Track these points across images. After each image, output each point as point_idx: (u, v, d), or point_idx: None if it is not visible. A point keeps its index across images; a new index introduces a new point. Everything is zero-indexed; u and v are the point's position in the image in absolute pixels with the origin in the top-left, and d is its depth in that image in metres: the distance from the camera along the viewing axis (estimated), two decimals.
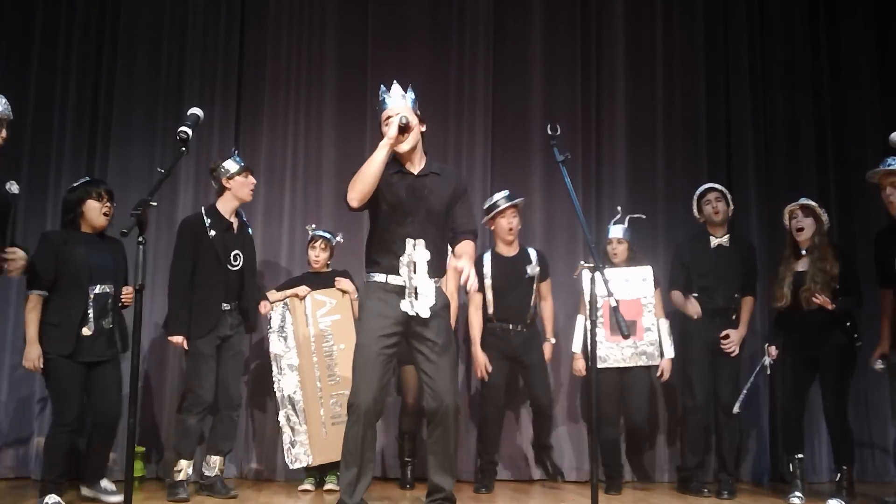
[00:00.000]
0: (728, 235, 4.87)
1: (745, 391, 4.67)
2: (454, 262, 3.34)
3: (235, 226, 4.49)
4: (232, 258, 4.41)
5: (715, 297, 4.78)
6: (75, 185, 4.27)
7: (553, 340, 5.00)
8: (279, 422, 4.74)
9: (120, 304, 4.20)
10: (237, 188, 4.46)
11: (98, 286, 4.05)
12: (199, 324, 4.32)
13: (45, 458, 4.03)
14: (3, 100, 3.63)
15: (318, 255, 4.88)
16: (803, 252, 4.54)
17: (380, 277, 3.33)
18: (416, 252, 3.29)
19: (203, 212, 4.48)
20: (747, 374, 4.78)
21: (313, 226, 5.03)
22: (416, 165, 3.40)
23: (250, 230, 4.64)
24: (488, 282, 4.86)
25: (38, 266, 3.97)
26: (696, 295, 4.81)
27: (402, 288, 3.29)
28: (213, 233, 4.37)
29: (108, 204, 4.15)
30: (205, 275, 4.35)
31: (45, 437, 4.12)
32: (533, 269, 4.90)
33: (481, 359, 4.81)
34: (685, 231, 5.25)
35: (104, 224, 4.16)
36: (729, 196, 4.90)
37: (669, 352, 4.86)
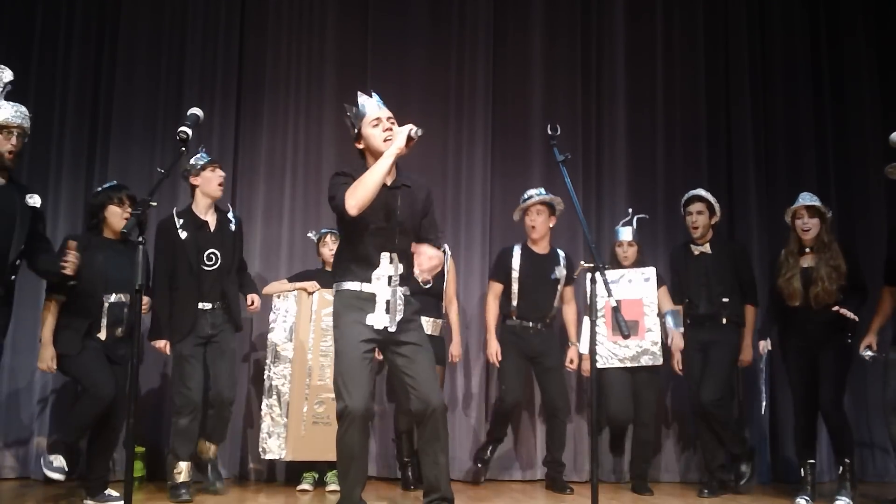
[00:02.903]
0: (709, 243, 4.85)
1: (764, 391, 4.66)
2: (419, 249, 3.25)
3: (212, 224, 4.44)
4: (206, 258, 4.36)
5: (699, 304, 4.80)
6: (98, 189, 4.30)
7: (578, 345, 4.97)
8: (261, 409, 4.72)
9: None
10: (204, 183, 4.41)
11: (114, 295, 4.06)
12: (177, 327, 4.31)
13: (69, 419, 4.02)
14: (15, 108, 3.70)
15: (332, 250, 4.87)
16: (807, 249, 4.53)
17: (353, 286, 3.29)
18: (393, 265, 3.27)
19: (174, 213, 4.43)
20: (756, 376, 4.76)
21: (313, 231, 5.03)
22: (390, 177, 3.34)
23: (233, 226, 4.52)
24: (515, 274, 4.88)
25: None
26: (688, 301, 4.86)
27: (373, 296, 3.27)
28: (184, 234, 4.33)
29: (129, 209, 4.13)
30: (180, 277, 4.33)
31: (76, 402, 4.07)
32: (560, 271, 4.91)
33: (493, 346, 4.85)
34: (685, 231, 5.25)
35: None
36: (716, 205, 4.85)
37: (679, 327, 4.83)
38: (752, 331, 4.83)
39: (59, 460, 3.91)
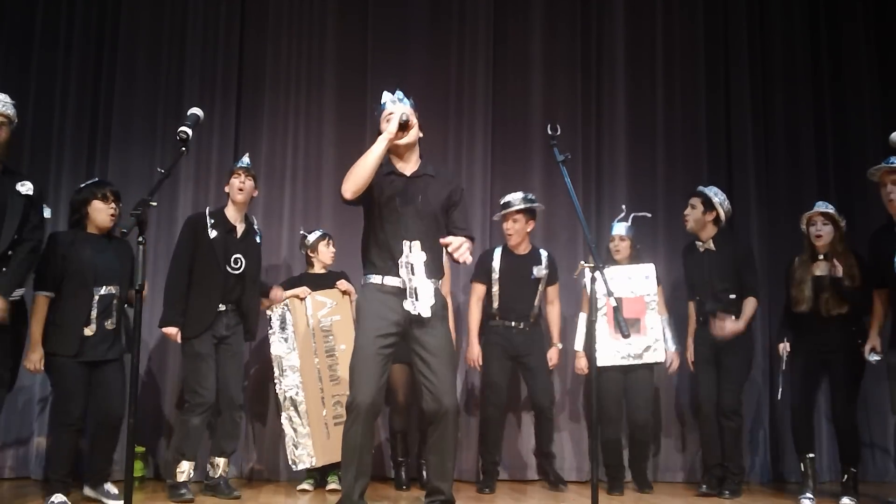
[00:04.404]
0: (713, 239, 4.84)
1: (781, 382, 4.67)
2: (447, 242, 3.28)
3: (240, 230, 4.49)
4: (233, 261, 4.41)
5: (705, 301, 4.81)
6: (82, 186, 4.30)
7: (560, 346, 4.99)
8: (281, 423, 4.73)
9: (126, 305, 4.21)
10: (230, 189, 4.52)
11: (104, 287, 4.06)
12: (194, 323, 4.33)
13: (51, 457, 4.04)
14: (3, 98, 3.68)
15: (332, 252, 4.91)
16: (820, 257, 4.53)
17: (376, 279, 3.34)
18: (413, 254, 3.31)
19: (207, 212, 4.51)
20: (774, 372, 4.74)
21: (311, 233, 5.02)
22: (410, 167, 3.42)
23: (258, 238, 4.62)
24: (495, 276, 4.89)
25: (45, 266, 3.99)
26: (698, 298, 4.87)
27: (399, 289, 3.31)
28: (214, 233, 4.40)
29: (113, 205, 4.15)
30: (202, 274, 4.37)
31: (50, 436, 4.11)
32: (539, 271, 4.91)
33: (475, 350, 4.87)
34: (685, 231, 5.25)
35: (109, 225, 4.15)
36: (715, 202, 4.81)
37: (671, 344, 4.88)
38: (747, 319, 4.69)
39: (58, 497, 3.91)
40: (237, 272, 4.42)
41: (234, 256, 4.42)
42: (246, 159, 4.63)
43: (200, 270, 4.37)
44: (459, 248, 3.21)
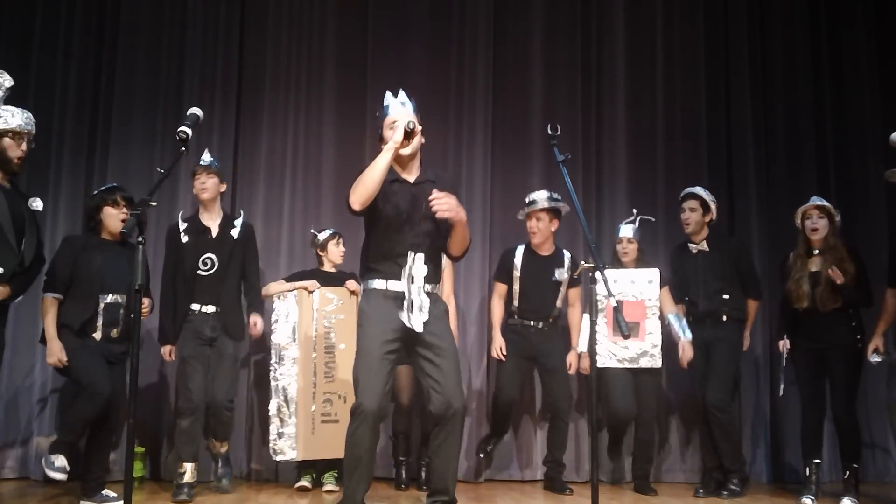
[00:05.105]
0: (706, 241, 4.85)
1: (782, 379, 4.71)
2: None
3: (214, 230, 4.49)
4: (201, 262, 4.43)
5: (698, 302, 4.82)
6: (95, 192, 4.32)
7: (579, 350, 4.94)
8: (269, 411, 4.72)
9: (132, 316, 4.19)
10: (195, 191, 4.54)
11: (109, 295, 4.05)
12: (176, 328, 4.43)
13: (68, 418, 4.02)
14: (25, 115, 3.73)
15: (342, 251, 4.91)
16: (815, 252, 4.53)
17: (379, 284, 3.32)
18: (416, 266, 3.30)
19: (179, 218, 4.56)
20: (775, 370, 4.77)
21: (320, 230, 5.01)
22: (413, 173, 3.40)
23: (235, 232, 4.54)
24: (516, 273, 4.89)
25: (56, 268, 4.03)
26: (687, 299, 4.88)
27: (402, 294, 3.30)
28: (185, 238, 4.45)
29: (125, 210, 4.13)
30: (180, 280, 4.44)
31: (74, 401, 4.02)
32: (561, 274, 4.90)
33: (498, 341, 4.89)
34: (685, 232, 5.25)
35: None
36: (711, 203, 4.84)
37: (688, 334, 4.80)
38: (751, 324, 4.89)
39: (60, 460, 3.88)
40: (208, 273, 4.43)
41: (204, 257, 4.44)
42: (206, 157, 4.59)
43: (180, 277, 4.44)
44: (442, 202, 3.18)
